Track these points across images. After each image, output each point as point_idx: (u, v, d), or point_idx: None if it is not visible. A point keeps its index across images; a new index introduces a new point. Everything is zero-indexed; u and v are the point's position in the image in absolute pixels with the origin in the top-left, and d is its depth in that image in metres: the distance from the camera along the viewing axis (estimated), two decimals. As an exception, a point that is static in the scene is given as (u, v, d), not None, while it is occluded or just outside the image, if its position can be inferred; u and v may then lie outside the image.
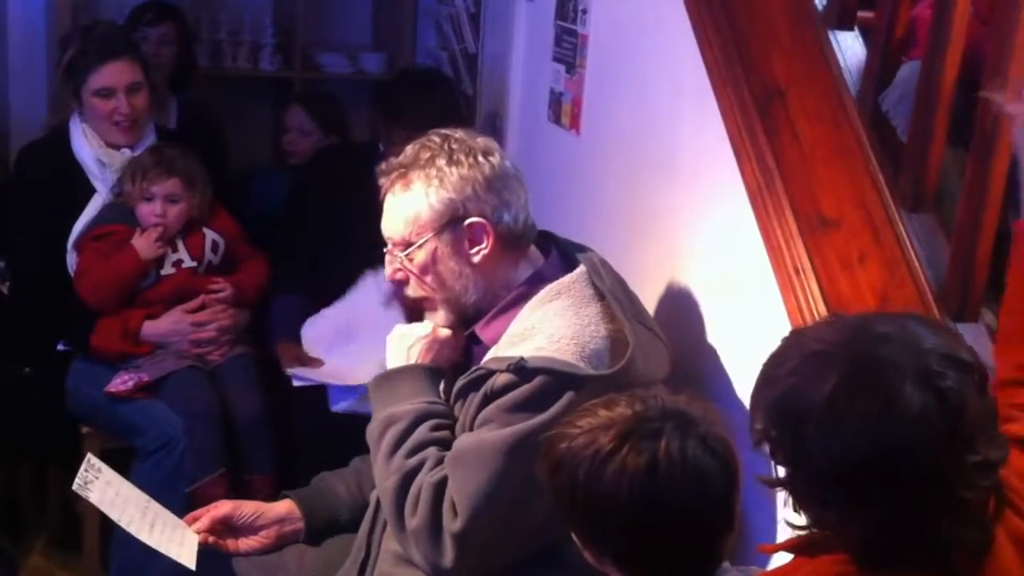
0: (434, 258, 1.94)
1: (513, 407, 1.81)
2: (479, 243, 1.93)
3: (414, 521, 1.83)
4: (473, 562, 1.82)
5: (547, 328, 1.86)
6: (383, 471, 1.90)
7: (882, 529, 1.27)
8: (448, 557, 1.81)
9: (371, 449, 1.95)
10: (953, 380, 1.25)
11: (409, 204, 1.93)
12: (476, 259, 1.94)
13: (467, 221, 1.92)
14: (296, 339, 2.97)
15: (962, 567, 1.29)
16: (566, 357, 1.82)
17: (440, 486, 1.83)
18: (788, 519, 1.39)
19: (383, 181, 1.97)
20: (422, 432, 1.89)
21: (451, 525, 1.81)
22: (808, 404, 1.28)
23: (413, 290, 1.99)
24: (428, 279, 1.96)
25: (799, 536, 1.39)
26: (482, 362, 1.89)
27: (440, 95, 3.22)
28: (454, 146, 1.94)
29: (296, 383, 2.84)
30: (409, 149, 1.97)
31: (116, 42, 3.03)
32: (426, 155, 1.94)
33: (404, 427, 1.89)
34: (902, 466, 1.24)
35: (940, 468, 1.25)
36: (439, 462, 1.85)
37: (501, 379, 1.82)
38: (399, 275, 1.99)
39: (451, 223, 1.92)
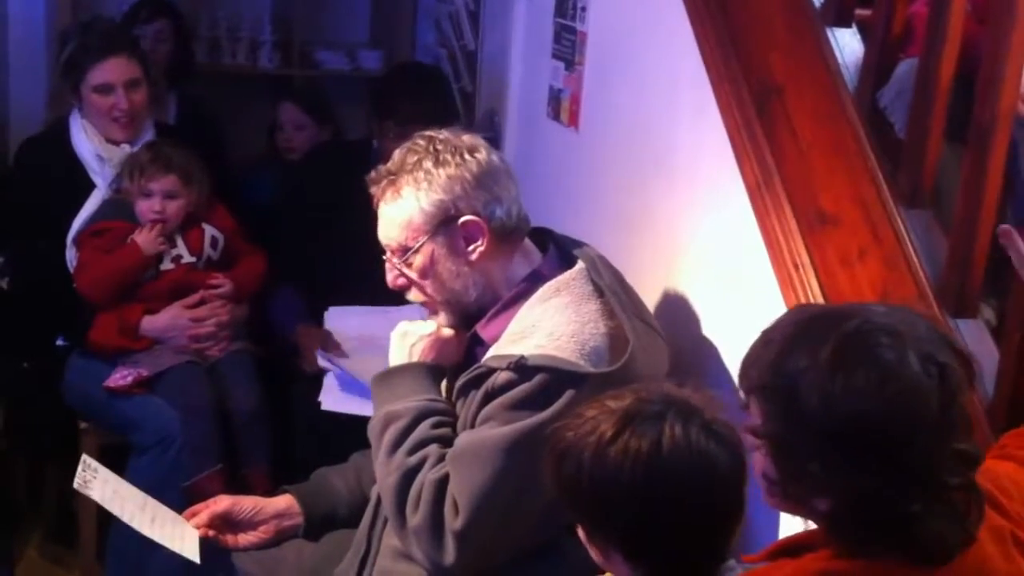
0: (432, 260, 1.94)
1: (514, 405, 1.81)
2: (475, 240, 1.93)
3: (415, 519, 1.83)
4: (474, 559, 1.82)
5: (547, 326, 1.86)
6: (384, 468, 1.90)
7: (858, 497, 1.28)
8: (449, 555, 1.81)
9: (372, 446, 1.95)
10: (951, 360, 1.29)
11: (401, 210, 1.93)
12: (473, 256, 1.93)
13: (460, 220, 1.92)
14: (314, 323, 2.96)
15: (939, 559, 1.29)
16: (566, 355, 1.82)
17: (441, 484, 1.83)
18: (766, 472, 1.38)
19: (374, 190, 1.97)
20: (423, 429, 1.89)
21: (452, 523, 1.81)
22: (809, 360, 1.30)
23: (414, 296, 2.00)
24: (428, 283, 1.96)
25: (779, 541, 1.40)
26: (482, 360, 1.89)
27: (432, 90, 3.21)
28: (439, 147, 1.93)
29: (321, 362, 2.78)
30: (396, 155, 1.97)
31: (115, 38, 3.04)
32: (413, 159, 1.93)
33: (405, 424, 1.90)
34: (892, 429, 1.26)
35: (926, 441, 1.26)
36: (440, 459, 1.85)
37: (502, 377, 1.82)
38: (400, 281, 1.99)
39: (444, 223, 1.92)
